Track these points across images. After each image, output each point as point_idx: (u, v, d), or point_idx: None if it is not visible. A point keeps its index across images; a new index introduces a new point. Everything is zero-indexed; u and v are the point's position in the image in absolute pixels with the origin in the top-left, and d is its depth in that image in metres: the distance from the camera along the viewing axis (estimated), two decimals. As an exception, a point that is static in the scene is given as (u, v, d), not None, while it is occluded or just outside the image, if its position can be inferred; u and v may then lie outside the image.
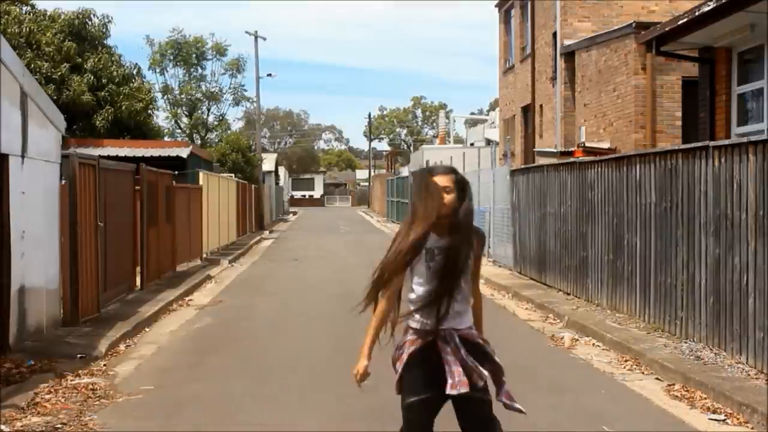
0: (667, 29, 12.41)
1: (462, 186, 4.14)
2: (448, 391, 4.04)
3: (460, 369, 4.05)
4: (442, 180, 4.11)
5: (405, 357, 4.14)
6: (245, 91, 51.03)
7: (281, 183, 60.66)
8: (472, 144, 38.56)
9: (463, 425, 4.18)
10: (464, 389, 4.03)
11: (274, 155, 59.75)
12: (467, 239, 4.10)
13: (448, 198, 4.07)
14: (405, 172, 46.22)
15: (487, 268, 16.43)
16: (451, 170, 4.22)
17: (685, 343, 8.48)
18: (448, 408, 4.13)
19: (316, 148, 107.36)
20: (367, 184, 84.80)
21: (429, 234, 4.05)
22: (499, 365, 4.18)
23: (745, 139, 7.65)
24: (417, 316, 4.14)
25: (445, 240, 4.09)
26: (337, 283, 16.04)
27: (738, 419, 6.28)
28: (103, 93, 25.62)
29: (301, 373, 7.94)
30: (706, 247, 8.27)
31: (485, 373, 4.10)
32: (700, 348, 8.17)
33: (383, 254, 4.11)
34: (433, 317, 4.11)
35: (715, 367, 7.48)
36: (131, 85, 26.89)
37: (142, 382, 7.62)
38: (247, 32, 43.16)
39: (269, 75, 63.69)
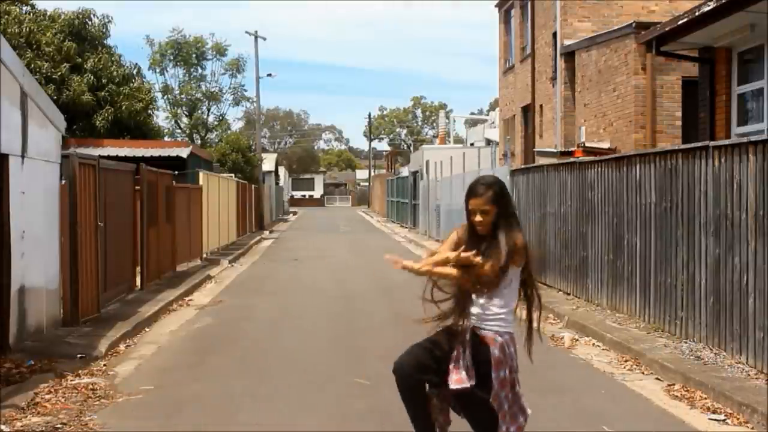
0: (667, 29, 12.41)
1: (497, 199, 4.46)
2: (451, 385, 4.32)
3: (459, 368, 4.34)
4: (476, 203, 4.39)
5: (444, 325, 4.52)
6: (245, 91, 51.15)
7: (281, 183, 60.66)
8: (472, 144, 38.53)
9: (469, 420, 4.44)
10: (466, 384, 4.31)
11: (274, 155, 59.76)
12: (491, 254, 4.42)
13: (482, 221, 4.43)
14: (405, 172, 46.18)
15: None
16: (487, 187, 4.43)
17: (685, 343, 8.48)
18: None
19: (316, 148, 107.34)
20: (367, 184, 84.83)
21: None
22: (489, 386, 4.34)
23: (745, 139, 7.65)
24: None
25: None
26: (337, 283, 16.06)
27: (738, 419, 6.29)
28: (103, 93, 25.62)
29: (300, 373, 7.94)
30: (706, 247, 8.27)
31: (467, 380, 4.34)
32: (700, 348, 8.17)
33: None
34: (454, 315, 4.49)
35: (715, 367, 7.48)
36: (131, 85, 26.89)
37: (142, 382, 7.62)
38: (247, 32, 43.21)
39: (269, 75, 63.79)
